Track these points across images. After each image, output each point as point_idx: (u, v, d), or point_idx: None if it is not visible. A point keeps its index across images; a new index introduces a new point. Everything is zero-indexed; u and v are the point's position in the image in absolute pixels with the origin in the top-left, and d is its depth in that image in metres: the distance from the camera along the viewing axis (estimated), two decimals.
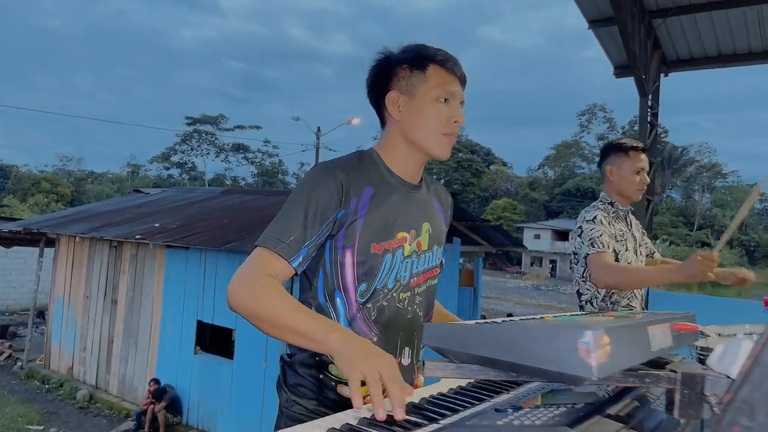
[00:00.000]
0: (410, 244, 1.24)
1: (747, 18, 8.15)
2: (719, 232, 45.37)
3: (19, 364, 10.63)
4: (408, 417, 0.81)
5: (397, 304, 1.22)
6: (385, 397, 0.85)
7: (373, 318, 1.20)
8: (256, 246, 1.15)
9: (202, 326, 8.01)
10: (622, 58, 9.29)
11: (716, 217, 48.59)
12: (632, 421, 0.71)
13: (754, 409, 0.66)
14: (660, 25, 8.82)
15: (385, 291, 1.21)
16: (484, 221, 12.11)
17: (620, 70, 9.57)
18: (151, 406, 7.76)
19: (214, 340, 8.31)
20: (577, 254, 2.31)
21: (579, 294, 2.36)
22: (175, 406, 7.94)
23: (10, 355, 11.27)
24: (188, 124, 59.45)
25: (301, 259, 1.15)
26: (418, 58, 1.22)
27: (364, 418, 0.82)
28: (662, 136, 53.06)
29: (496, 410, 0.76)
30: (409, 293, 1.24)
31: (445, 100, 1.22)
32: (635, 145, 2.43)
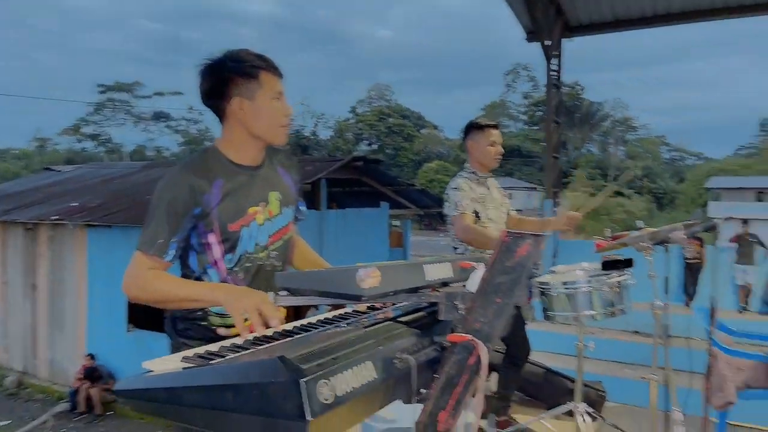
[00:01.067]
0: (262, 214, 1.56)
1: None
2: (630, 181, 48.61)
3: None
4: (274, 336, 1.15)
5: (258, 263, 1.56)
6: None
7: (241, 278, 1.54)
8: (136, 249, 1.46)
9: (134, 304, 8.06)
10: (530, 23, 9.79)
11: (629, 168, 51.84)
12: (414, 324, 1.07)
13: (486, 310, 1.04)
14: None
15: (248, 255, 1.54)
16: (410, 185, 12.60)
17: (530, 35, 10.10)
18: (85, 384, 7.81)
19: (149, 315, 8.39)
20: (447, 216, 2.77)
21: (454, 249, 2.83)
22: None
23: None
24: (101, 92, 56.14)
25: (172, 253, 1.47)
26: (250, 67, 1.50)
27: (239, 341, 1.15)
28: (579, 93, 55.44)
29: (336, 327, 1.12)
30: (266, 252, 1.58)
31: (278, 98, 1.53)
32: (488, 123, 2.92)
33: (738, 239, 9.72)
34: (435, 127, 62.77)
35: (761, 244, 9.54)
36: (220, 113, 1.55)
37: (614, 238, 2.55)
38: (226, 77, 1.50)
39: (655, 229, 2.51)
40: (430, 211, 13.70)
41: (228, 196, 1.50)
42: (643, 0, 9.13)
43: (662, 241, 2.46)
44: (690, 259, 9.66)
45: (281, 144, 1.59)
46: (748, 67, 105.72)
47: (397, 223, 14.76)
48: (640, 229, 2.51)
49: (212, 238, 1.49)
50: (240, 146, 1.55)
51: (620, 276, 2.38)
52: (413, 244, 16.28)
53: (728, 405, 2.80)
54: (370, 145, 58.90)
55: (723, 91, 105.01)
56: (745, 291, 9.50)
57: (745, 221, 10.05)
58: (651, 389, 2.53)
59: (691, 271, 9.80)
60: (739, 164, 47.65)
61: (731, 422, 3.09)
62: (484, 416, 3.09)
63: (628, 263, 2.40)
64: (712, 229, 2.49)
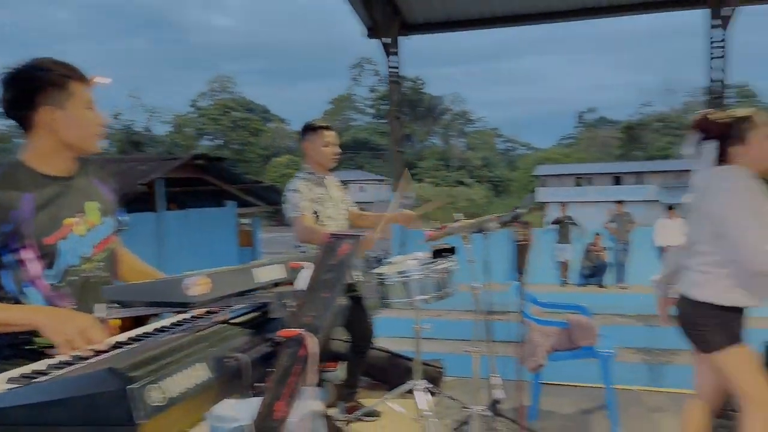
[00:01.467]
0: (82, 225, 1.51)
1: None
2: (470, 171, 52.79)
3: None
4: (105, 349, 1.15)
5: (84, 275, 1.51)
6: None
7: (68, 293, 1.47)
8: None
9: None
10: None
11: (469, 159, 56.07)
12: (248, 324, 1.16)
13: (315, 305, 1.15)
14: None
15: (72, 269, 1.48)
16: (257, 182, 12.43)
17: (370, 32, 10.48)
18: None
19: None
20: (287, 217, 2.89)
21: (297, 246, 2.94)
22: None
23: None
24: None
25: None
26: (60, 77, 1.45)
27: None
28: (421, 87, 58.49)
29: (171, 333, 1.16)
30: (92, 263, 1.53)
31: (90, 107, 1.51)
32: (322, 124, 3.08)
33: (558, 221, 11.07)
34: (282, 121, 62.03)
35: (575, 224, 10.98)
36: (26, 124, 1.47)
37: (442, 229, 2.86)
38: (33, 87, 1.43)
39: (472, 221, 2.86)
40: (280, 207, 13.60)
41: (41, 209, 1.43)
42: (471, 5, 9.97)
43: (479, 230, 2.82)
44: (519, 241, 10.79)
45: (95, 151, 1.55)
46: (567, 65, 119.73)
47: (246, 221, 14.46)
48: (458, 221, 2.86)
49: (27, 254, 1.41)
50: (50, 157, 1.49)
51: (447, 263, 2.69)
52: (264, 241, 16.03)
53: (540, 367, 3.27)
54: (213, 140, 56.44)
55: (546, 86, 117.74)
56: (565, 267, 10.87)
57: (563, 204, 11.47)
58: (474, 360, 2.89)
59: (521, 251, 10.96)
60: (561, 153, 53.89)
61: (543, 381, 3.61)
62: (333, 404, 3.25)
63: (452, 251, 2.73)
64: (516, 218, 2.89)
